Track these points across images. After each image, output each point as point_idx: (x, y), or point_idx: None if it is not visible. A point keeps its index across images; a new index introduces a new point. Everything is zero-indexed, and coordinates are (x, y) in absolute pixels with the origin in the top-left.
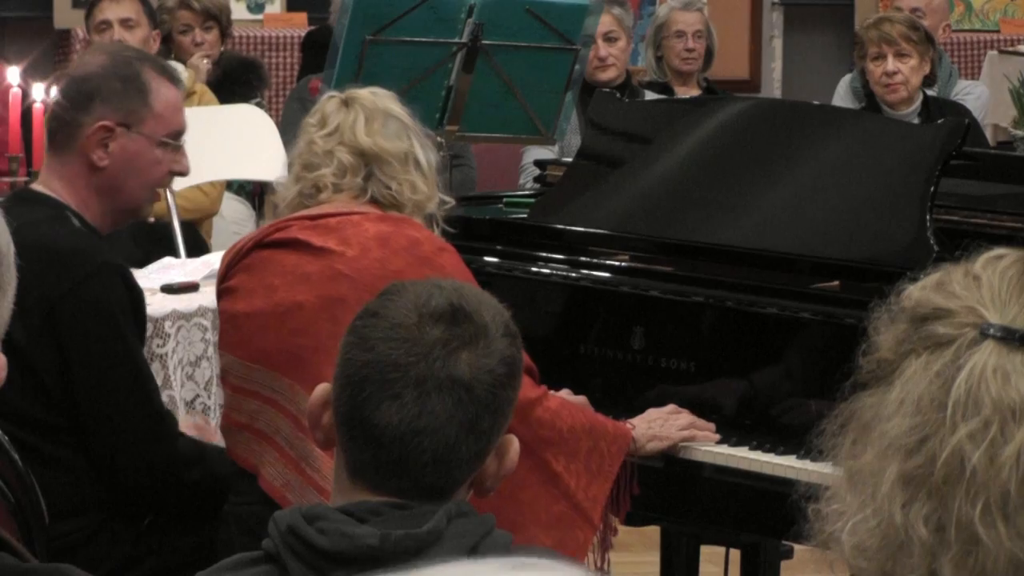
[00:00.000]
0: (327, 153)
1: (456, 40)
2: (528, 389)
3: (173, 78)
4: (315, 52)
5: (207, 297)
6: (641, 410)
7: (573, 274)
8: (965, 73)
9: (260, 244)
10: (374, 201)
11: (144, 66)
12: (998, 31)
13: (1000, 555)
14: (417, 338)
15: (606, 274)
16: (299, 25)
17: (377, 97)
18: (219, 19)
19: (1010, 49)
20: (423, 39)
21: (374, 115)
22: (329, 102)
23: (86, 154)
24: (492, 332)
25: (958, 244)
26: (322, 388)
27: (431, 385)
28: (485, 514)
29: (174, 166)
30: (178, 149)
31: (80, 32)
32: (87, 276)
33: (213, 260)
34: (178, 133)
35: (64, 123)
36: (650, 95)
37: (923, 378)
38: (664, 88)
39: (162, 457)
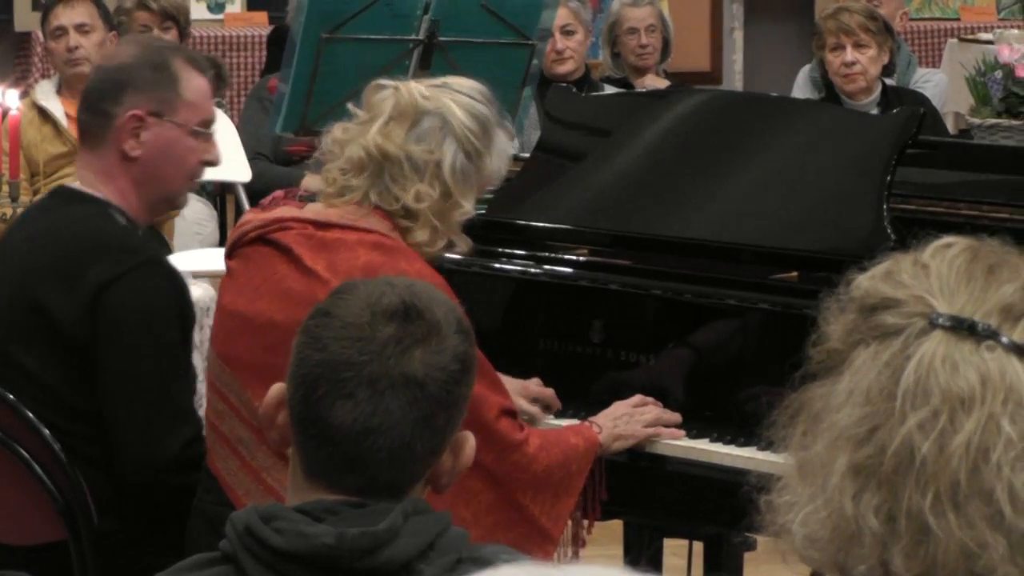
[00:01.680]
0: (343, 143)
1: (412, 37)
2: (512, 431)
3: (202, 68)
4: (280, 49)
5: None
6: (601, 404)
7: (532, 269)
8: (926, 61)
9: (262, 237)
10: (380, 207)
11: (174, 56)
12: (958, 19)
13: (950, 545)
14: (370, 337)
15: (565, 268)
16: (260, 24)
17: (431, 90)
18: (177, 19)
19: (970, 37)
20: (379, 36)
21: (404, 113)
22: (379, 91)
23: (119, 145)
24: (445, 329)
25: (915, 233)
26: (277, 388)
27: (385, 384)
28: (441, 511)
29: (205, 155)
30: (209, 138)
31: (40, 35)
32: (134, 267)
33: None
34: (208, 122)
35: (95, 115)
36: (610, 89)
37: (872, 368)
38: (623, 83)
39: (162, 458)
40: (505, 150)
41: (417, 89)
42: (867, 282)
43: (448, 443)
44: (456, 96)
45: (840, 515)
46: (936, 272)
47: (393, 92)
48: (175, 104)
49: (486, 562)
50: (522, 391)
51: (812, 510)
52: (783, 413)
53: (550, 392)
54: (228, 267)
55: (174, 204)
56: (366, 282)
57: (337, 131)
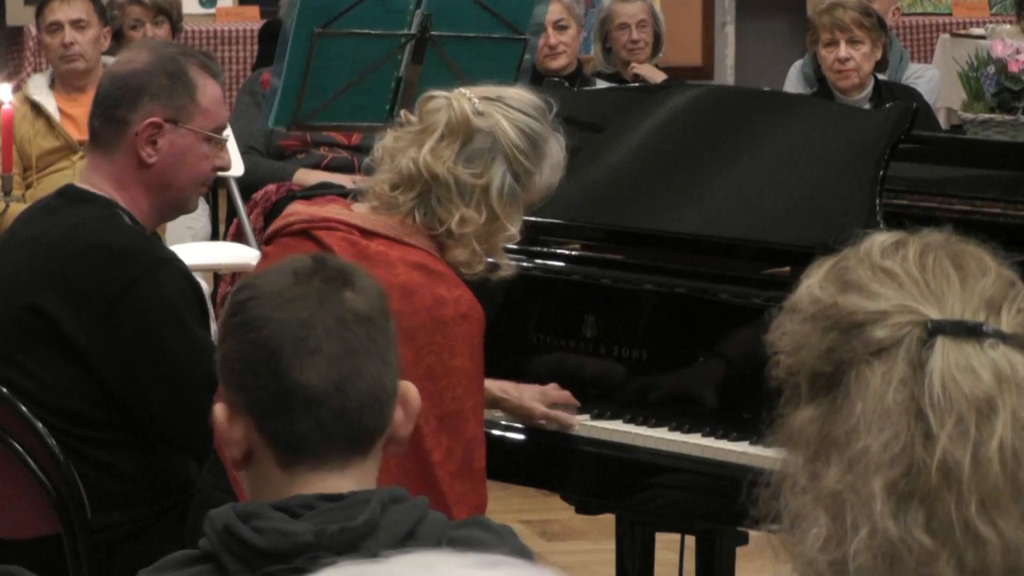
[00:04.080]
0: (395, 152)
1: (405, 32)
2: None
3: (215, 73)
4: (272, 44)
5: None
6: (594, 399)
7: (525, 263)
8: (918, 57)
9: (307, 231)
10: (426, 225)
11: (189, 62)
12: (950, 14)
13: (998, 547)
14: (304, 293)
15: (557, 263)
16: (251, 19)
17: (485, 105)
18: (169, 14)
19: (962, 32)
20: (372, 31)
21: (456, 130)
22: (432, 101)
23: (135, 151)
24: (355, 269)
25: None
26: (220, 407)
27: (340, 328)
28: (418, 497)
29: (217, 161)
30: (221, 144)
31: (32, 30)
32: (144, 272)
33: None
34: (221, 128)
35: (110, 122)
36: (601, 85)
37: (887, 389)
38: (614, 78)
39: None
40: (558, 162)
41: (470, 104)
42: (825, 295)
43: (398, 385)
44: (509, 112)
45: (885, 539)
46: (907, 276)
47: (447, 105)
48: (191, 111)
49: (469, 543)
50: (541, 397)
51: (859, 539)
52: (775, 440)
53: (566, 394)
54: (265, 252)
55: (183, 209)
56: (266, 270)
57: (388, 139)
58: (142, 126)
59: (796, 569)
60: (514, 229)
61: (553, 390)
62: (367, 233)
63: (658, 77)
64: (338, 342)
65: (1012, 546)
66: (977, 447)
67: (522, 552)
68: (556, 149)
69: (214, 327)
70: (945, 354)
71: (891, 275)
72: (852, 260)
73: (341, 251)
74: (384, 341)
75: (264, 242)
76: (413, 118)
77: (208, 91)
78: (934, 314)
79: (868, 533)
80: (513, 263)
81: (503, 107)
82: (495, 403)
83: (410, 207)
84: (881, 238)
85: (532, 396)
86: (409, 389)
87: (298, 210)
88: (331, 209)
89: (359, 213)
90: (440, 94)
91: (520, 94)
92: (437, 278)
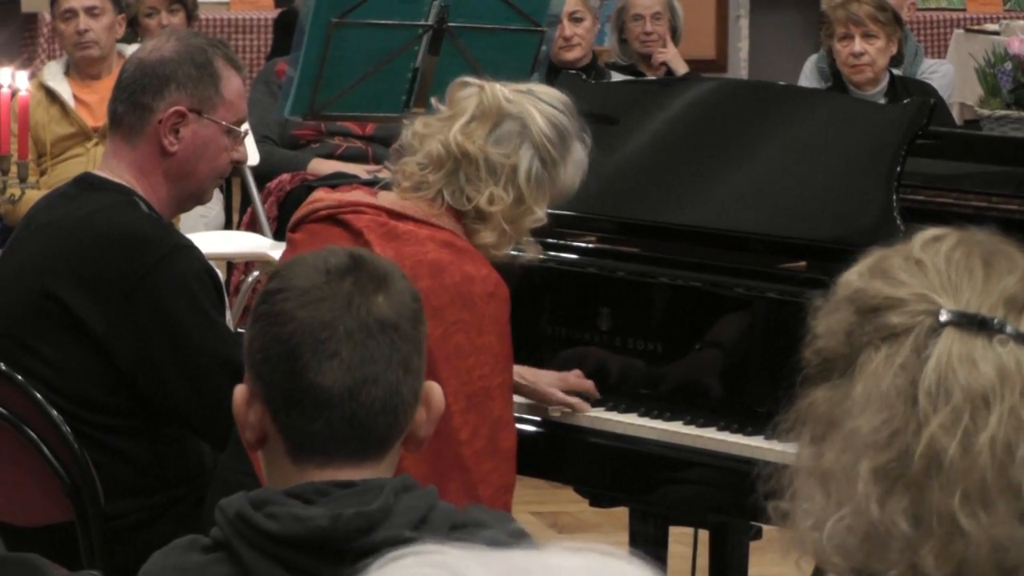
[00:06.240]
0: (423, 137)
1: (422, 22)
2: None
3: (238, 67)
4: (287, 33)
5: None
6: (609, 392)
7: (540, 255)
8: (932, 52)
9: (334, 216)
10: (452, 207)
11: (215, 54)
12: (965, 9)
13: (982, 542)
14: (333, 294)
15: (573, 256)
16: (266, 7)
17: (515, 95)
18: (184, 2)
19: (976, 28)
20: (389, 21)
21: (486, 114)
22: (463, 88)
23: (157, 139)
24: (392, 272)
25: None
26: (240, 389)
27: (363, 334)
28: (428, 486)
29: (234, 154)
30: (240, 137)
31: (47, 16)
32: (161, 259)
33: None
34: (241, 121)
35: (134, 108)
36: (616, 76)
37: (887, 372)
38: (630, 70)
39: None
40: (581, 162)
41: (501, 91)
42: (859, 281)
43: (422, 389)
44: (539, 104)
45: (868, 521)
46: (933, 267)
47: (478, 91)
48: (215, 102)
49: (479, 524)
50: (559, 382)
51: (839, 518)
52: (787, 419)
53: (589, 384)
54: (291, 239)
55: (200, 200)
56: (303, 256)
57: (418, 125)
58: (167, 114)
59: (792, 547)
60: (540, 213)
61: (573, 376)
62: (395, 215)
63: (682, 67)
64: (358, 348)
65: (997, 544)
66: (967, 437)
67: (520, 536)
68: (580, 149)
69: (229, 316)
70: (949, 344)
71: (920, 265)
72: (894, 251)
73: (370, 232)
74: (408, 348)
75: (290, 229)
76: (442, 105)
77: (232, 84)
78: (949, 305)
79: (851, 513)
80: (538, 246)
81: (533, 98)
82: (515, 388)
83: (439, 188)
84: (927, 232)
85: (550, 381)
86: (434, 390)
87: (323, 196)
88: (357, 194)
89: (386, 198)
90: (472, 82)
91: (549, 89)
92: (464, 255)
